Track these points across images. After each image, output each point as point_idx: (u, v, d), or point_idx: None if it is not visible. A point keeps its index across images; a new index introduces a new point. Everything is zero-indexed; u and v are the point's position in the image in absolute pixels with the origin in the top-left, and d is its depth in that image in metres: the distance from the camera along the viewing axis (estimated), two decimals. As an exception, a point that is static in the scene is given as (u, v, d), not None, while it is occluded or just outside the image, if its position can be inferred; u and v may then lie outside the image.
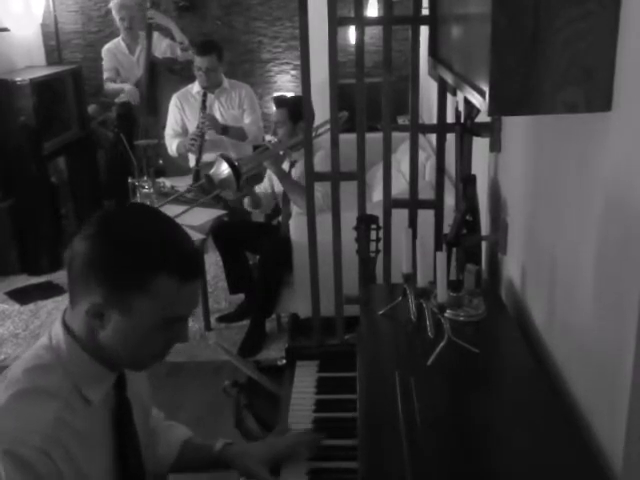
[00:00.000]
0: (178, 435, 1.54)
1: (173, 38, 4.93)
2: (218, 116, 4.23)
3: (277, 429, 1.59)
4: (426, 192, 2.72)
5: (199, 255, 1.23)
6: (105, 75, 5.02)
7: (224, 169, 3.16)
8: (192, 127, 4.21)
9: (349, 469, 1.40)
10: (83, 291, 1.15)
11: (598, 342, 1.22)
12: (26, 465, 1.07)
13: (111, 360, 1.22)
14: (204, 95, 4.14)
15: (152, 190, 3.68)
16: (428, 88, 4.03)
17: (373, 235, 2.38)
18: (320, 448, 1.50)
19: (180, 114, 4.32)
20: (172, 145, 4.31)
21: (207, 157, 4.09)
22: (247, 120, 4.29)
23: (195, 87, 4.27)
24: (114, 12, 4.88)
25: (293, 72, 5.72)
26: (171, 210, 3.56)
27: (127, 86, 4.89)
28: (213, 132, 4.15)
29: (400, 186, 3.17)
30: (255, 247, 3.66)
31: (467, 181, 1.82)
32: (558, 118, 1.30)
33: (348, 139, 2.47)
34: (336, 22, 2.20)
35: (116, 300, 1.13)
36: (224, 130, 4.14)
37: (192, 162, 4.23)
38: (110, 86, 5.02)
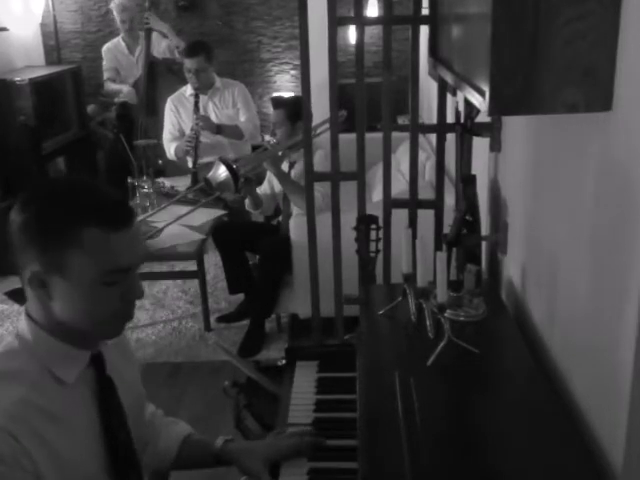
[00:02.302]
0: (179, 431, 1.54)
1: (172, 39, 4.93)
2: (213, 117, 4.22)
3: (277, 429, 1.59)
4: (426, 192, 2.72)
5: (124, 204, 1.23)
6: (105, 75, 5.02)
7: (222, 172, 3.16)
8: (188, 129, 4.20)
9: (349, 469, 1.40)
10: (23, 264, 1.18)
11: (598, 342, 1.22)
12: None
13: (77, 335, 1.21)
14: (196, 97, 4.13)
15: (151, 190, 3.69)
16: (428, 88, 4.03)
17: (373, 235, 2.38)
18: (320, 448, 1.50)
19: (176, 117, 4.31)
20: (170, 149, 4.31)
21: (207, 159, 4.08)
22: (242, 118, 4.28)
23: (188, 89, 4.26)
24: (115, 14, 4.88)
25: (293, 72, 5.72)
26: (173, 211, 3.56)
27: (126, 88, 4.89)
28: (210, 134, 4.14)
29: (400, 186, 3.17)
30: (255, 247, 3.66)
31: (467, 181, 1.82)
32: (558, 118, 1.30)
33: (348, 139, 2.47)
34: (336, 22, 2.20)
35: (51, 263, 1.15)
36: (219, 129, 4.14)
37: (190, 164, 4.23)
38: (109, 86, 5.02)
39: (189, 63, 4.12)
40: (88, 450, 1.24)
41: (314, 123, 2.85)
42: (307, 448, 1.47)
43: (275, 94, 5.60)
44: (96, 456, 1.25)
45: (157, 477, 1.54)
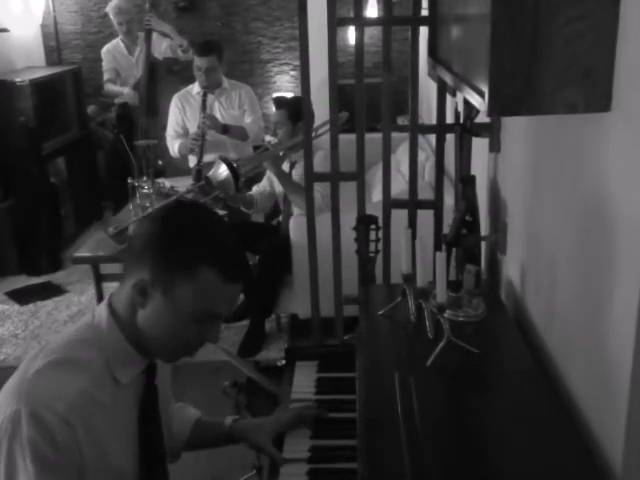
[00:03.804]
0: (190, 415, 1.64)
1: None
2: (218, 116, 4.23)
3: (281, 405, 1.67)
4: (426, 192, 2.72)
5: (246, 263, 1.35)
6: (105, 76, 5.01)
7: (222, 171, 3.16)
8: (193, 128, 4.20)
9: (349, 469, 1.40)
10: (135, 267, 1.23)
11: (597, 342, 1.22)
12: (48, 429, 1.13)
13: (145, 345, 1.27)
14: (204, 95, 4.13)
15: (151, 191, 3.68)
16: (428, 88, 4.03)
17: (372, 235, 2.39)
18: (320, 449, 1.51)
19: (181, 115, 4.32)
20: (174, 146, 4.30)
21: (208, 157, 4.09)
22: (248, 120, 4.29)
23: (195, 87, 4.27)
24: (112, 16, 4.87)
25: (292, 72, 5.72)
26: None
27: (126, 90, 4.89)
28: (214, 132, 4.15)
29: (400, 186, 3.18)
30: (255, 247, 3.66)
31: (466, 181, 1.82)
32: (558, 118, 1.31)
33: (348, 139, 2.48)
34: (335, 22, 2.20)
35: (162, 279, 1.20)
36: (225, 129, 4.14)
37: (192, 162, 4.22)
38: (109, 88, 5.01)
39: (200, 62, 4.12)
40: (126, 450, 1.29)
41: (315, 124, 2.85)
42: (310, 419, 1.59)
43: (275, 94, 5.60)
44: (132, 457, 1.30)
45: (170, 456, 1.60)
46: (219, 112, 4.27)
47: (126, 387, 1.27)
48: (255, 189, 3.70)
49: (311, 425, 1.58)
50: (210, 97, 4.20)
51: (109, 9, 4.87)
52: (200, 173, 4.05)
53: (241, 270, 1.29)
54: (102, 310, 1.28)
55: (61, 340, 1.27)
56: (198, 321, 1.23)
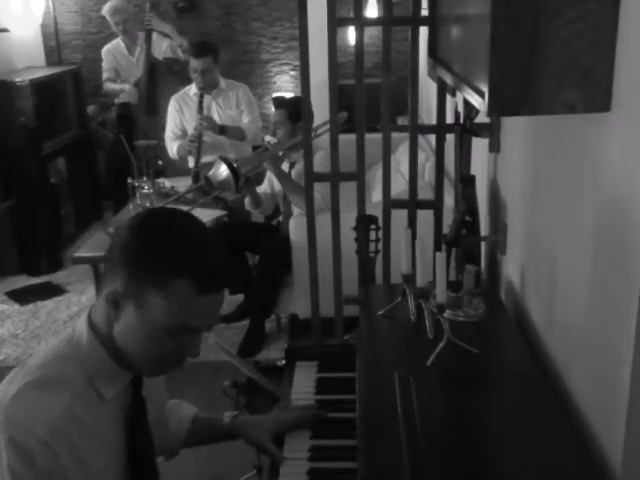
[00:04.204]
0: (187, 413, 1.62)
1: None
2: (216, 117, 4.23)
3: (281, 404, 1.66)
4: (425, 192, 2.72)
5: (226, 272, 1.22)
6: (105, 76, 5.01)
7: (223, 170, 3.16)
8: (191, 129, 4.21)
9: (349, 469, 1.40)
10: (109, 278, 1.17)
11: (597, 342, 1.22)
12: (28, 456, 1.09)
13: (126, 360, 1.22)
14: (201, 97, 4.14)
15: (152, 191, 3.68)
16: (427, 89, 4.03)
17: (372, 235, 2.39)
18: (320, 448, 1.51)
19: (179, 116, 4.32)
20: (172, 148, 4.31)
21: (207, 158, 4.09)
22: (245, 120, 4.29)
23: (192, 89, 4.27)
24: (108, 17, 4.87)
25: (292, 73, 5.72)
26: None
27: (127, 86, 4.89)
28: (212, 133, 4.15)
29: (400, 186, 3.18)
30: (255, 247, 3.66)
31: (466, 181, 1.82)
32: (557, 119, 1.31)
33: (347, 139, 2.48)
34: (335, 23, 2.20)
35: (134, 291, 1.14)
36: (222, 130, 4.14)
37: (192, 163, 4.23)
38: (110, 86, 5.02)
39: (196, 63, 4.12)
40: (115, 466, 1.25)
41: (315, 124, 2.85)
42: (310, 420, 1.57)
43: (275, 94, 5.60)
44: (121, 473, 1.26)
45: (168, 454, 1.61)
46: (217, 113, 4.27)
47: (110, 402, 1.22)
48: (257, 190, 3.70)
49: (311, 425, 1.57)
50: (207, 98, 4.21)
51: (104, 11, 4.87)
52: (198, 175, 4.06)
53: (221, 280, 1.19)
54: (82, 324, 1.23)
55: (40, 358, 1.21)
56: (172, 335, 1.16)
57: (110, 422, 1.24)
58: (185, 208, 3.56)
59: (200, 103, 4.12)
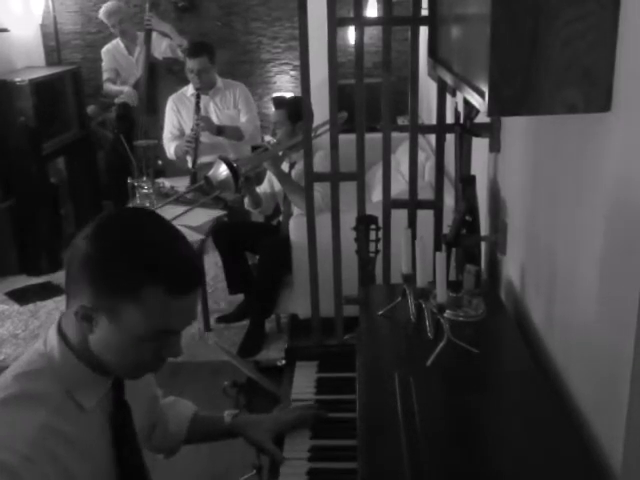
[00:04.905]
0: (186, 411, 1.61)
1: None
2: (214, 117, 4.22)
3: (281, 405, 1.66)
4: (425, 192, 2.72)
5: (196, 269, 1.20)
6: (104, 76, 5.02)
7: (222, 170, 3.17)
8: (189, 129, 4.20)
9: (349, 469, 1.40)
10: (75, 292, 1.14)
11: (597, 342, 1.22)
12: (10, 472, 1.05)
13: (104, 367, 1.19)
14: (197, 97, 4.13)
15: (151, 190, 3.68)
16: (428, 88, 4.03)
17: (372, 235, 2.39)
18: (320, 449, 1.51)
19: (176, 117, 4.32)
20: (170, 148, 4.31)
21: (206, 159, 4.09)
22: (243, 119, 4.29)
23: (190, 89, 4.27)
24: (104, 20, 4.88)
25: (292, 72, 5.72)
26: (171, 211, 3.56)
27: (126, 88, 4.89)
28: (210, 134, 4.15)
29: (400, 186, 3.18)
30: (255, 247, 3.66)
31: (466, 181, 1.82)
32: (557, 118, 1.31)
33: (347, 139, 2.48)
34: (335, 22, 2.20)
35: (104, 305, 1.11)
36: (219, 131, 4.14)
37: (190, 164, 4.23)
38: (109, 87, 5.02)
39: (192, 63, 4.12)
40: (103, 475, 1.23)
41: (315, 124, 2.85)
42: (310, 420, 1.57)
43: (275, 94, 5.60)
44: (103, 477, 1.24)
45: (168, 453, 1.61)
46: (214, 112, 4.27)
47: (92, 411, 1.19)
48: (257, 190, 3.70)
49: (311, 425, 1.58)
50: (205, 98, 4.20)
51: (100, 15, 4.88)
52: (195, 176, 4.06)
53: (190, 279, 1.15)
54: (52, 337, 1.19)
55: (13, 373, 1.17)
56: (152, 339, 1.14)
57: (95, 431, 1.21)
58: (185, 208, 3.58)
59: (197, 104, 4.11)
